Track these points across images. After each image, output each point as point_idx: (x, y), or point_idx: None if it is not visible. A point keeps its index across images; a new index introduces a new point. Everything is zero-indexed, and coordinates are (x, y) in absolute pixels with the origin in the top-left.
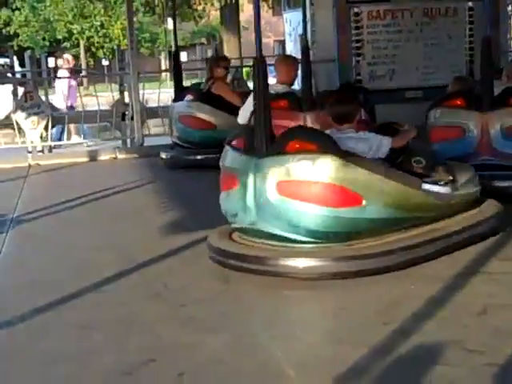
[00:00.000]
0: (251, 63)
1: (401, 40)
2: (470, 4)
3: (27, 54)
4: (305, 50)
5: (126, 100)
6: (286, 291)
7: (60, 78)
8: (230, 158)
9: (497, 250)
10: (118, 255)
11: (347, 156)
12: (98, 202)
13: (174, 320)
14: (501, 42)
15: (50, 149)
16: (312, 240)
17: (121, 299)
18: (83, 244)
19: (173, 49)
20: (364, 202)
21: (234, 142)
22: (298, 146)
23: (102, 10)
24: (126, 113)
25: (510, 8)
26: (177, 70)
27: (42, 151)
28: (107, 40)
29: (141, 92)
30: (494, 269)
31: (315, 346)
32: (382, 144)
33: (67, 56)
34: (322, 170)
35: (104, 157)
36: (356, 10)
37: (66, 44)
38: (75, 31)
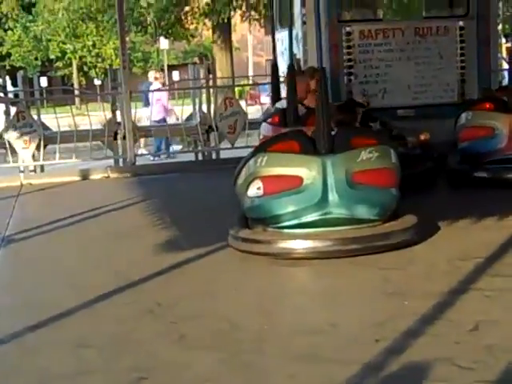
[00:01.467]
0: (243, 82)
1: (392, 59)
2: (461, 23)
3: (20, 73)
4: (290, 69)
5: (118, 119)
6: (275, 306)
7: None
8: (285, 161)
9: (487, 267)
10: (112, 273)
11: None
12: (90, 220)
13: (167, 337)
14: (491, 61)
15: (42, 168)
16: (380, 218)
17: (114, 317)
18: (76, 263)
19: (271, 61)
20: None
21: (276, 148)
22: (361, 141)
23: (95, 30)
24: (118, 132)
25: (500, 27)
26: (275, 81)
27: (34, 170)
28: (100, 60)
29: (133, 111)
30: (485, 285)
31: (306, 363)
32: None
33: (155, 74)
34: (387, 158)
35: (96, 176)
36: (348, 29)
37: (59, 63)
38: (68, 51)
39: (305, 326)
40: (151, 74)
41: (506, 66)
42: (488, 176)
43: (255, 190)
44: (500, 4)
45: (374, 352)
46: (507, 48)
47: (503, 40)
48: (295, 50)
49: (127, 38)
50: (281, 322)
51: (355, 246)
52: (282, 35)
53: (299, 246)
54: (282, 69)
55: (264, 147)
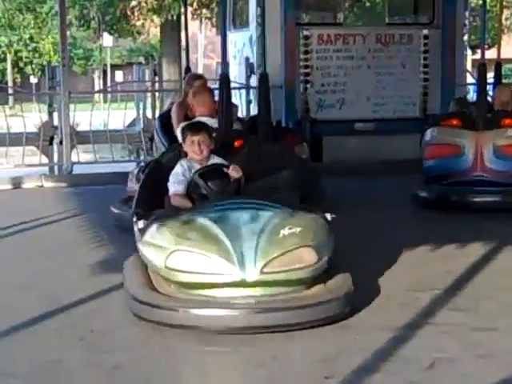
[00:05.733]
0: None
1: (352, 67)
2: (426, 32)
3: None
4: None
5: (55, 122)
6: (210, 346)
7: None
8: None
9: (446, 299)
10: (42, 295)
11: None
12: (20, 235)
13: (99, 368)
14: (456, 74)
15: None
16: None
17: (44, 344)
18: (3, 282)
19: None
20: None
21: None
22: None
23: (32, 22)
24: (55, 136)
25: (466, 37)
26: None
27: None
28: (37, 55)
29: (71, 114)
30: (443, 319)
31: None
32: None
33: None
34: None
35: (29, 184)
36: (306, 32)
37: None
38: (2, 44)
39: (244, 361)
40: None
41: (470, 79)
42: (454, 199)
43: None
44: (467, 13)
45: None
46: (473, 60)
47: (469, 52)
48: (249, 53)
49: (68, 33)
50: (216, 359)
51: None
52: (235, 37)
53: None
54: (234, 73)
55: None
